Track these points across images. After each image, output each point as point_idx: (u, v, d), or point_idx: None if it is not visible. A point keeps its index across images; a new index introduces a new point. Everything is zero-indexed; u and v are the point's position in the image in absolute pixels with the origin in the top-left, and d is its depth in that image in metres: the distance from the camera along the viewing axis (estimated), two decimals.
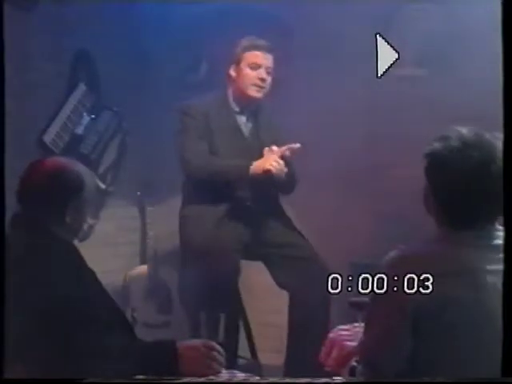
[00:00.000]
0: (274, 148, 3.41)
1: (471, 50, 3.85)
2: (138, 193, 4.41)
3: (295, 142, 3.50)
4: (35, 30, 3.74)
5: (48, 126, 3.81)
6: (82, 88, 4.05)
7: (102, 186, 4.08)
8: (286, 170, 3.41)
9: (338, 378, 2.19)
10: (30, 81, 3.71)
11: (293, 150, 3.40)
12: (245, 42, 3.54)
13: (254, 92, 3.53)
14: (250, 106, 3.60)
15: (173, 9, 4.32)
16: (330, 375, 2.27)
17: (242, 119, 3.61)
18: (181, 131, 3.51)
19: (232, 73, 3.56)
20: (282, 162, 3.39)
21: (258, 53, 3.51)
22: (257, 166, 3.40)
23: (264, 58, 3.51)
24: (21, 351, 2.08)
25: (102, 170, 4.11)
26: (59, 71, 3.95)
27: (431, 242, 2.01)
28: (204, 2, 4.27)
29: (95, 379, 2.05)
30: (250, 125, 3.61)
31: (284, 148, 3.40)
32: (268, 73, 3.53)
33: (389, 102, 4.21)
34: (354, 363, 2.12)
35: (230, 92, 3.59)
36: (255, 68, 3.51)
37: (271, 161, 3.38)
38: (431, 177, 1.95)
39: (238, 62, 3.53)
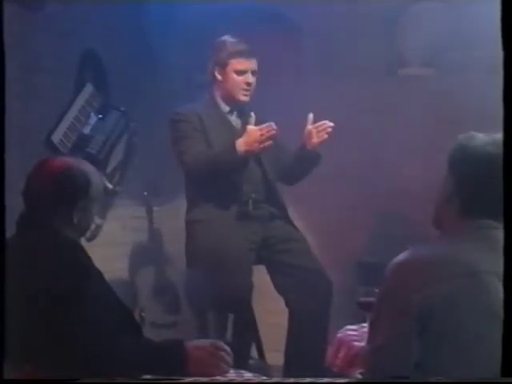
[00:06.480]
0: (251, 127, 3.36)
1: (477, 49, 3.84)
2: (145, 193, 4.42)
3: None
4: (43, 30, 3.75)
5: (56, 125, 3.81)
6: (89, 88, 4.05)
7: (110, 185, 4.08)
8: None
9: (340, 378, 2.18)
10: (37, 81, 3.72)
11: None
12: (229, 47, 3.54)
13: (242, 96, 3.55)
14: (238, 107, 3.62)
15: (180, 9, 4.33)
16: (334, 375, 2.26)
17: (232, 118, 3.63)
18: (178, 138, 3.51)
19: (218, 76, 3.57)
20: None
21: (242, 60, 3.52)
22: (242, 141, 3.36)
23: (249, 63, 3.53)
24: (26, 351, 2.08)
25: (109, 169, 4.11)
26: (67, 71, 3.95)
27: (439, 242, 2.01)
28: (211, 2, 4.28)
29: (96, 379, 2.04)
30: (240, 123, 3.61)
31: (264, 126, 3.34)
32: (253, 75, 3.55)
33: (395, 101, 4.21)
34: (359, 375, 2.11)
35: (217, 94, 3.61)
36: (241, 74, 3.53)
37: (256, 132, 3.33)
38: (457, 170, 1.97)
39: (223, 66, 3.54)
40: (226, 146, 3.43)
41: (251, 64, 3.54)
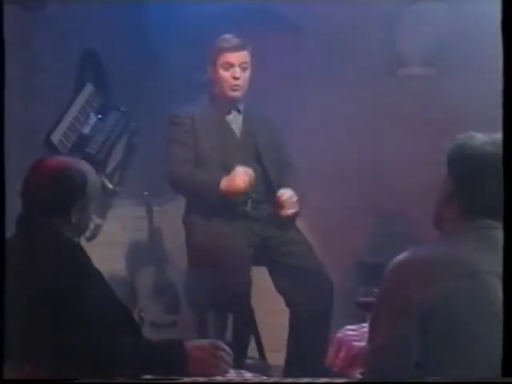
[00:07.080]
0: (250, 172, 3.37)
1: (477, 49, 3.84)
2: (146, 193, 4.41)
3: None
4: (43, 30, 3.75)
5: (55, 126, 3.81)
6: (89, 88, 4.05)
7: (110, 185, 4.07)
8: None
9: (339, 378, 2.18)
10: (37, 81, 3.72)
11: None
12: (217, 44, 3.51)
13: (231, 92, 3.51)
14: (235, 105, 3.59)
15: (180, 9, 4.32)
16: (334, 376, 2.26)
17: (230, 118, 3.59)
18: (168, 141, 3.52)
19: (211, 75, 3.54)
20: (252, 176, 3.36)
21: (228, 54, 3.47)
22: (227, 181, 3.36)
23: (236, 57, 3.47)
24: (26, 351, 2.08)
25: (109, 169, 4.11)
26: (67, 71, 3.95)
27: (439, 242, 2.01)
28: (211, 2, 4.28)
29: (96, 379, 2.04)
30: (240, 123, 3.59)
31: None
32: (243, 68, 3.49)
33: (395, 101, 4.21)
34: (359, 375, 2.11)
35: (213, 94, 3.59)
36: (228, 68, 3.48)
37: (243, 176, 3.35)
38: (456, 170, 1.98)
39: (214, 64, 3.52)
40: (210, 179, 3.41)
41: (239, 57, 3.47)
